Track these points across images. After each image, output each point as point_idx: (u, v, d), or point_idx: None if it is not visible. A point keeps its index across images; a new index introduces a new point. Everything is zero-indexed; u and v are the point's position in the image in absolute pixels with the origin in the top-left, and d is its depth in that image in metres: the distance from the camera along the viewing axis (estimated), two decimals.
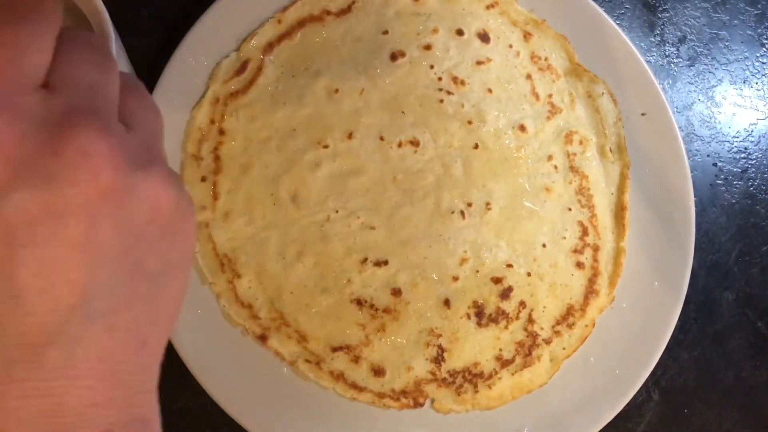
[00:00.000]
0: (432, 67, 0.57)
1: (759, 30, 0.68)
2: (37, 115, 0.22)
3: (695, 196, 0.58)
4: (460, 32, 0.57)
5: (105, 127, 0.23)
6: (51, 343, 0.23)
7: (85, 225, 0.22)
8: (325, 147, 0.54)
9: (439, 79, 0.56)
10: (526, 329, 0.56)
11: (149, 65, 0.54)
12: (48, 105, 0.23)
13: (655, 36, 0.66)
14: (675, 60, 0.66)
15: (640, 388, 0.56)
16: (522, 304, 0.55)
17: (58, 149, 0.22)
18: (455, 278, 0.54)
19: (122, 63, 0.49)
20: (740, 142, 0.66)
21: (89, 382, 0.24)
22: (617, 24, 0.60)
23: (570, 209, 0.57)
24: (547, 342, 0.56)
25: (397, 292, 0.54)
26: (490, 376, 0.55)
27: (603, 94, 0.59)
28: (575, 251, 0.57)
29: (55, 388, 0.23)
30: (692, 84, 0.67)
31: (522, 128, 0.57)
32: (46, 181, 0.21)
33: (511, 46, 0.59)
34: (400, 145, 0.55)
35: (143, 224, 0.25)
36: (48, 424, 0.23)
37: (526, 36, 0.59)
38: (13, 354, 0.22)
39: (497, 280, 0.55)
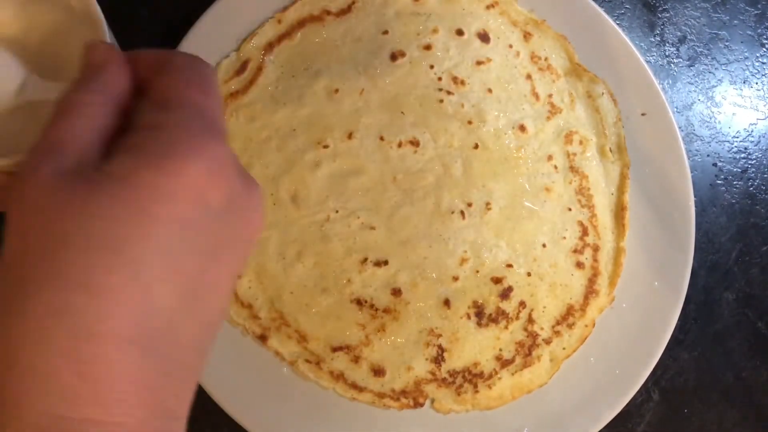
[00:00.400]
0: (432, 67, 0.57)
1: (759, 30, 0.68)
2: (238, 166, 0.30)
3: (695, 196, 0.58)
4: (460, 32, 0.57)
5: None
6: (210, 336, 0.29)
7: (247, 254, 0.31)
8: (325, 147, 0.54)
9: (439, 79, 0.56)
10: (526, 329, 0.55)
11: None
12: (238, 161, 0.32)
13: (655, 36, 0.66)
14: (675, 60, 0.66)
15: (640, 388, 0.56)
16: (522, 304, 0.55)
17: (252, 194, 0.30)
18: (455, 278, 0.54)
19: None
20: (740, 142, 0.66)
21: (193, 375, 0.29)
22: (617, 24, 0.60)
23: (570, 209, 0.57)
24: (547, 342, 0.56)
25: (397, 292, 0.54)
26: (490, 376, 0.55)
27: (603, 94, 0.59)
28: (575, 251, 0.57)
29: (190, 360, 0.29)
30: (692, 84, 0.66)
31: (522, 128, 0.57)
32: (243, 211, 0.29)
33: (511, 46, 0.59)
34: (400, 145, 0.55)
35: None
36: (165, 404, 0.26)
37: (526, 36, 0.59)
38: (203, 332, 0.29)
39: (497, 280, 0.55)
